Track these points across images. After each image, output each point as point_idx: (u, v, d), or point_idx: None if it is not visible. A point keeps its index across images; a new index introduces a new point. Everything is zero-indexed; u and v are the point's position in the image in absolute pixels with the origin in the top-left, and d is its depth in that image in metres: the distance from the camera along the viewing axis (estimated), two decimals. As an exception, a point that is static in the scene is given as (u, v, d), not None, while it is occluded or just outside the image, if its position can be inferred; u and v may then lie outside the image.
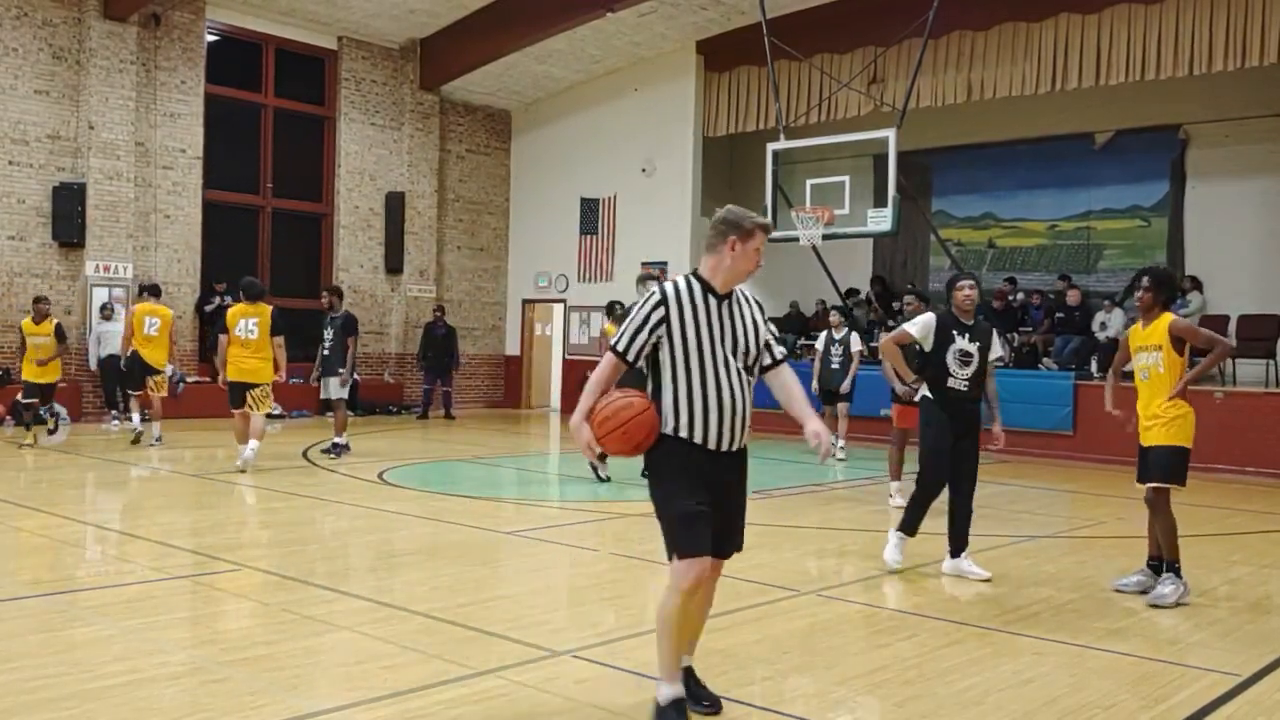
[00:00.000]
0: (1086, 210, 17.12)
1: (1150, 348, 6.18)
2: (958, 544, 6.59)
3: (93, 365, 15.51)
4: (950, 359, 6.43)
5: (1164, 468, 6.23)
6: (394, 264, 19.29)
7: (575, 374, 19.65)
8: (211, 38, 17.22)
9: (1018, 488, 11.55)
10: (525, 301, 21.02)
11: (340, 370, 12.03)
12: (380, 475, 10.66)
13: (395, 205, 19.21)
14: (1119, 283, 16.55)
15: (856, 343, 13.16)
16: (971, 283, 6.60)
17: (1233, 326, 14.82)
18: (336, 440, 12.16)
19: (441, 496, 9.56)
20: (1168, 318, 6.17)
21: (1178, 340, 6.11)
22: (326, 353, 12.15)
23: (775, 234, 15.14)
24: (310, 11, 17.61)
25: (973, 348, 6.48)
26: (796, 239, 14.87)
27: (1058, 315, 15.79)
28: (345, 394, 12.29)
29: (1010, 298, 16.71)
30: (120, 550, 7.01)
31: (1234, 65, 13.52)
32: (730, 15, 17.18)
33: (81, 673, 4.27)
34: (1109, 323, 15.31)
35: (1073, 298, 15.76)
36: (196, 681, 4.23)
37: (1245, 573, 7.13)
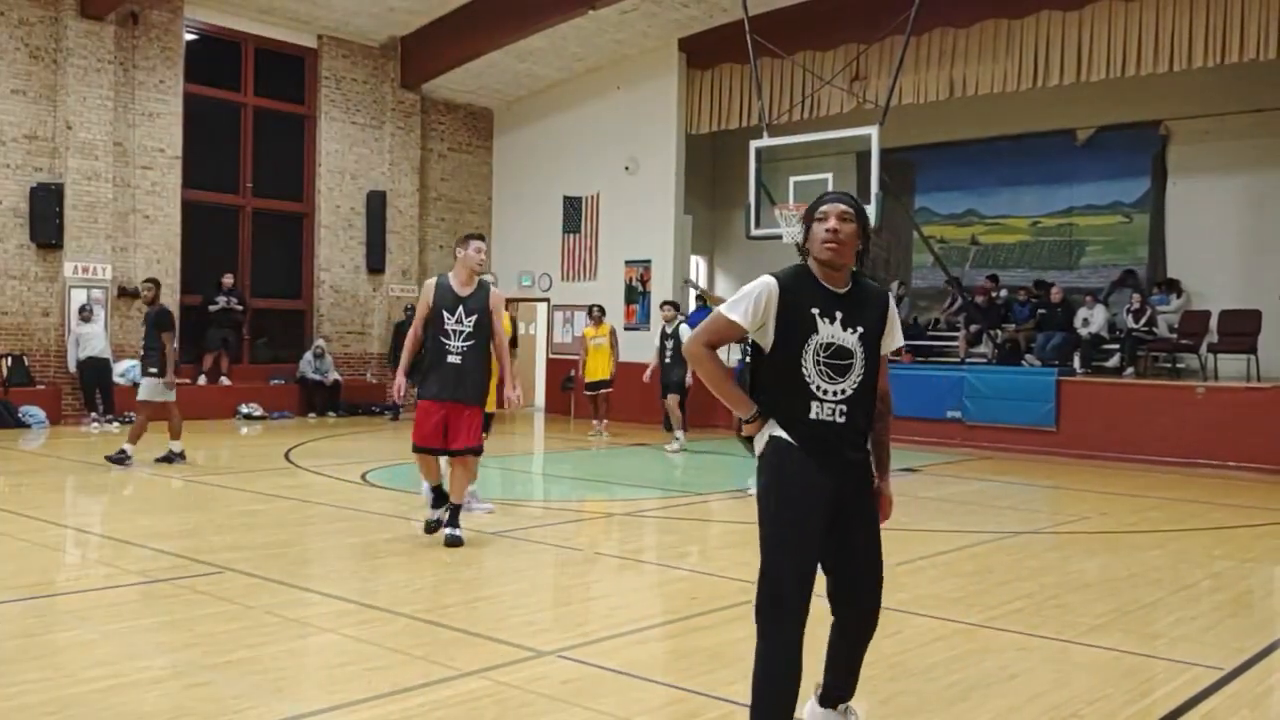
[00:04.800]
0: (1069, 207, 17.20)
1: None
2: (833, 687, 3.70)
3: (71, 367, 15.39)
4: (808, 361, 3.36)
5: None
6: (375, 264, 19.20)
7: (558, 373, 19.63)
8: (190, 36, 17.09)
9: (1000, 484, 11.59)
10: (508, 301, 20.93)
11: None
12: (363, 476, 10.61)
13: (376, 204, 19.13)
14: (1101, 279, 16.64)
15: (687, 334, 13.39)
16: (843, 207, 3.42)
17: (1214, 322, 14.92)
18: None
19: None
20: None
21: None
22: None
23: (759, 232, 15.24)
24: (289, 10, 17.51)
25: (851, 338, 3.40)
26: (780, 237, 14.88)
27: (1040, 311, 15.86)
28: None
29: (994, 294, 16.78)
30: (101, 554, 6.95)
31: (1214, 61, 13.60)
32: (712, 12, 17.17)
33: (63, 678, 4.23)
34: (1091, 319, 15.39)
35: (1055, 295, 15.82)
36: (179, 685, 4.19)
37: (1228, 567, 7.17)
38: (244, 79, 17.96)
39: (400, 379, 7.26)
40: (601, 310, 15.72)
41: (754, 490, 3.40)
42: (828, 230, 3.36)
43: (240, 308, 17.23)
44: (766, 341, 3.37)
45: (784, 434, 3.35)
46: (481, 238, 7.32)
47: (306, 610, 5.41)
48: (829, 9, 16.35)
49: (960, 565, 6.97)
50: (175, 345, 11.00)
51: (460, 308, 7.05)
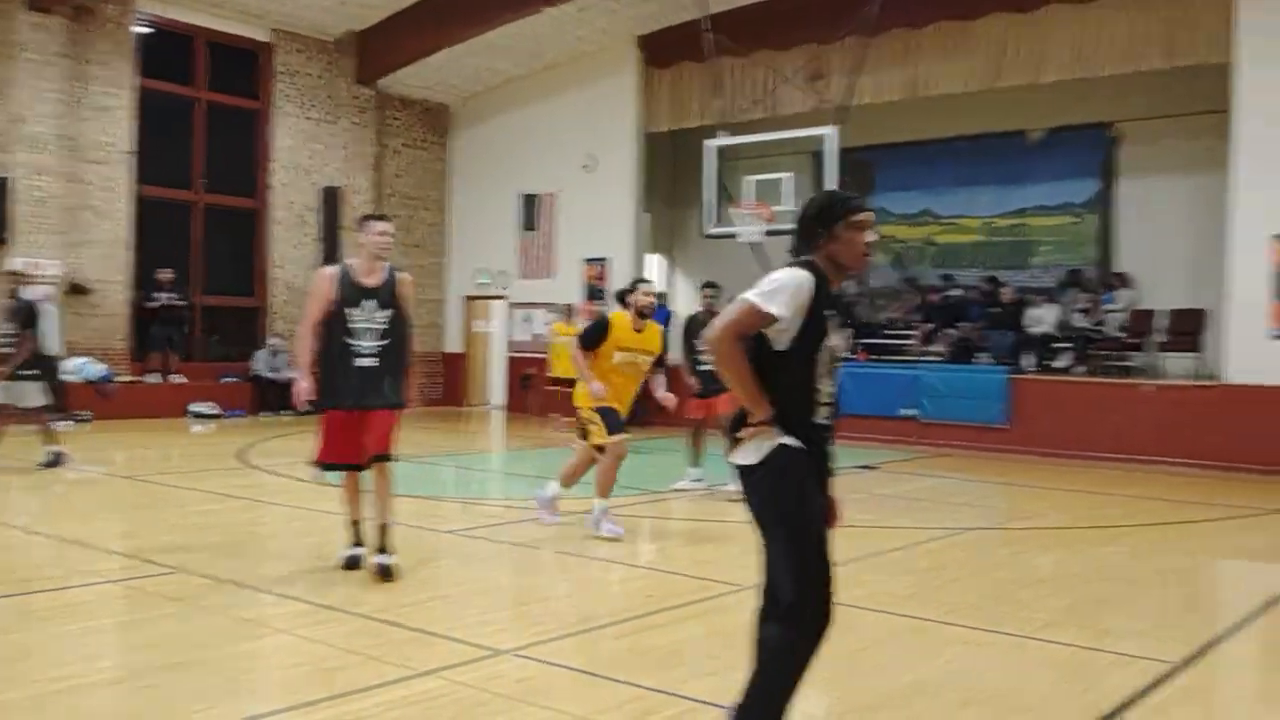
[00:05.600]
0: (1021, 207, 17.43)
1: None
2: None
3: (19, 365, 15.08)
4: (820, 365, 3.28)
5: None
6: (330, 260, 19.00)
7: (516, 371, 19.56)
8: (142, 30, 16.83)
9: (955, 480, 11.71)
10: (466, 299, 20.87)
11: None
12: (317, 476, 10.49)
13: (331, 200, 18.95)
14: (1052, 279, 16.87)
15: None
16: (873, 215, 3.40)
17: (1162, 321, 15.18)
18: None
19: (382, 495, 9.44)
20: None
21: None
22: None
23: (716, 230, 15.29)
24: (242, 3, 17.29)
25: (843, 340, 3.41)
26: (736, 236, 14.94)
27: (993, 310, 16.06)
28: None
29: (948, 293, 16.96)
30: (52, 555, 6.83)
31: (1162, 64, 13.83)
32: (671, 10, 17.18)
33: (15, 680, 4.15)
34: (1042, 318, 15.60)
35: (1007, 295, 16.04)
36: (132, 688, 4.14)
37: (1176, 562, 7.30)
38: (196, 73, 17.72)
39: (305, 382, 6.02)
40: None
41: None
42: (868, 244, 3.29)
43: (183, 304, 16.95)
44: (785, 339, 3.22)
45: (793, 440, 3.23)
46: (385, 218, 6.22)
47: (260, 610, 5.36)
48: (788, 8, 16.42)
49: (915, 562, 7.04)
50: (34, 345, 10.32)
51: (368, 301, 6.03)
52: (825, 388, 3.29)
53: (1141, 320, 15.29)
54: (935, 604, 5.83)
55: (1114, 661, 4.80)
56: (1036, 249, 17.36)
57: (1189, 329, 14.68)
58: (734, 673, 4.54)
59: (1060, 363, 15.24)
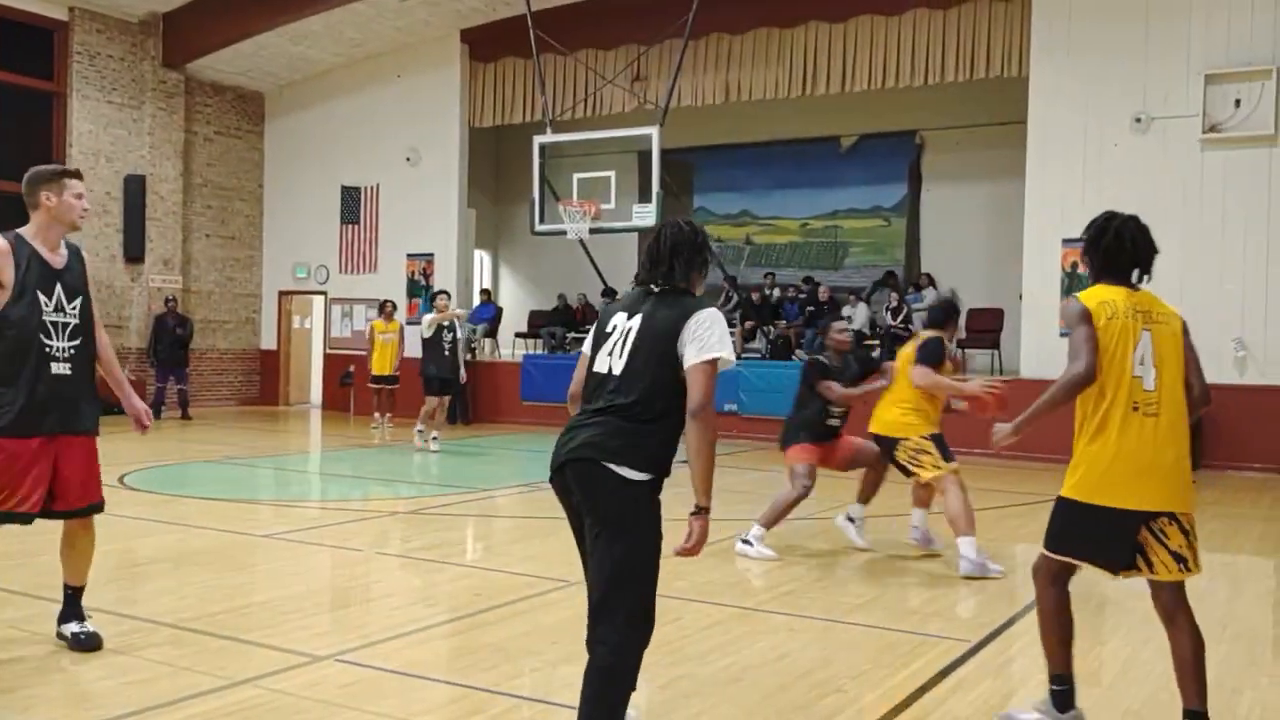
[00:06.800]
0: (834, 210, 18.15)
1: None
2: None
3: None
4: None
5: None
6: (134, 252, 18.05)
7: (336, 368, 19.05)
8: (-82, 0, 15.57)
9: (774, 473, 12.04)
10: (282, 293, 20.16)
11: None
12: (120, 479, 9.97)
13: (135, 189, 17.98)
14: (864, 279, 17.63)
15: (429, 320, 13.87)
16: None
17: (963, 319, 16.05)
18: None
19: (190, 500, 9.05)
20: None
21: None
22: None
23: (542, 227, 15.29)
24: (36, -22, 16.22)
25: None
26: (564, 232, 14.99)
27: (809, 309, 16.66)
28: None
29: (767, 292, 17.48)
30: None
31: (964, 77, 14.66)
32: (495, 5, 17.06)
33: None
34: (854, 316, 16.27)
35: (823, 294, 16.68)
36: (-92, 712, 3.84)
37: (974, 546, 7.72)
38: (-18, 50, 16.51)
39: None
40: (394, 305, 15.52)
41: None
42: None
43: None
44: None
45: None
46: (80, 175, 4.94)
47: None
48: (610, 8, 16.56)
49: (734, 553, 7.23)
50: None
51: (59, 287, 4.62)
52: None
53: (945, 318, 16.13)
54: (753, 592, 6.01)
55: (919, 641, 5.06)
56: (849, 250, 18.11)
57: (988, 327, 15.59)
58: (560, 666, 4.57)
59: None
